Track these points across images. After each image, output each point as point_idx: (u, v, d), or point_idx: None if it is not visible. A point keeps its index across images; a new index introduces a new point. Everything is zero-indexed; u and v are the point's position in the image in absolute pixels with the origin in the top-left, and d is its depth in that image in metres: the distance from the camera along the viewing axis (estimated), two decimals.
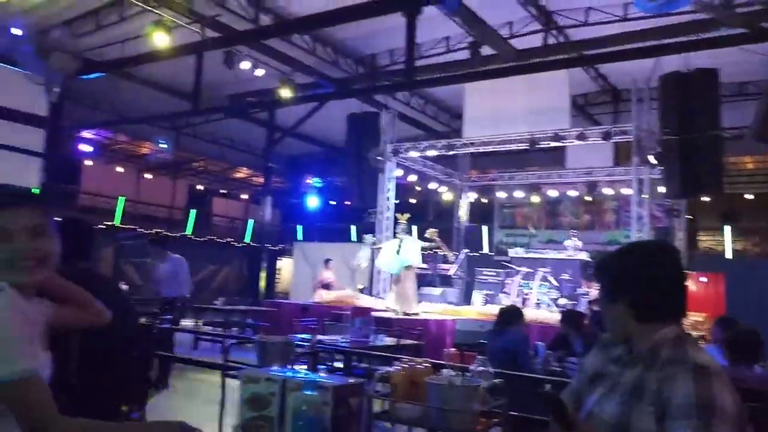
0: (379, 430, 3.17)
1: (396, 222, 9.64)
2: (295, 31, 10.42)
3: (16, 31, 7.99)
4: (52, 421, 1.38)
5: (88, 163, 16.70)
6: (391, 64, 11.90)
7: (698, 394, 1.38)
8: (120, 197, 15.97)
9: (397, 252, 8.87)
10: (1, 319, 1.36)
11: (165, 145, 15.99)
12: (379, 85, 11.63)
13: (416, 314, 8.61)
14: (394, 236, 9.61)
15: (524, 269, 10.45)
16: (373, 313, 7.56)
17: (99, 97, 12.94)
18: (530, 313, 7.59)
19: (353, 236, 15.48)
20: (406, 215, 9.28)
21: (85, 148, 15.76)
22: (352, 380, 1.63)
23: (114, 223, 15.34)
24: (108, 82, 10.99)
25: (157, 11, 8.59)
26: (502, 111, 10.89)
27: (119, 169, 17.94)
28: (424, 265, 10.13)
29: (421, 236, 9.97)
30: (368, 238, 11.95)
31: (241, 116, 14.05)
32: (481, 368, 2.64)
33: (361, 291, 11.40)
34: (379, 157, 11.69)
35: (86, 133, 15.48)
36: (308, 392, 1.49)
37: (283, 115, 13.96)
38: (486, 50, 9.47)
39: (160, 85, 12.51)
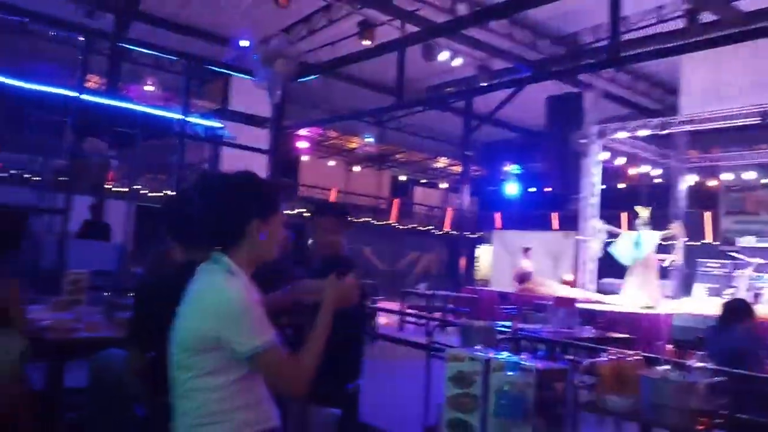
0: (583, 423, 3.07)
1: (636, 215, 9.43)
2: (493, 17, 10.32)
3: (244, 43, 9.07)
4: (295, 379, 1.64)
5: (304, 158, 18.33)
6: (595, 41, 11.23)
7: None
8: (332, 189, 17.33)
9: (636, 245, 8.76)
10: (249, 299, 1.62)
11: (371, 139, 16.97)
12: (582, 64, 11.05)
13: (651, 308, 8.29)
14: (633, 229, 9.39)
15: (757, 260, 9.26)
16: (578, 305, 7.27)
17: (313, 98, 14.12)
18: (764, 310, 6.71)
19: (554, 224, 14.98)
20: (648, 209, 9.18)
21: (301, 144, 17.33)
22: (556, 364, 1.62)
23: None
24: (321, 82, 11.95)
25: (361, 12, 9.12)
26: (725, 83, 9.69)
27: (331, 162, 19.41)
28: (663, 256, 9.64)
29: (661, 227, 9.58)
30: (597, 223, 11.26)
31: (440, 107, 14.34)
32: (700, 365, 2.42)
33: (567, 282, 10.98)
34: (583, 140, 11.13)
35: (303, 131, 16.99)
36: (511, 373, 1.51)
37: (481, 102, 13.96)
38: (706, 17, 8.51)
39: (366, 81, 13.25)
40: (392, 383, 4.75)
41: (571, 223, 12.06)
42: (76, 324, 3.00)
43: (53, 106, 10.67)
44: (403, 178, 21.30)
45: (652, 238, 8.95)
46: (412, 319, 9.25)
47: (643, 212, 9.17)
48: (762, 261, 9.20)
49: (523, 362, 1.58)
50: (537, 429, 1.49)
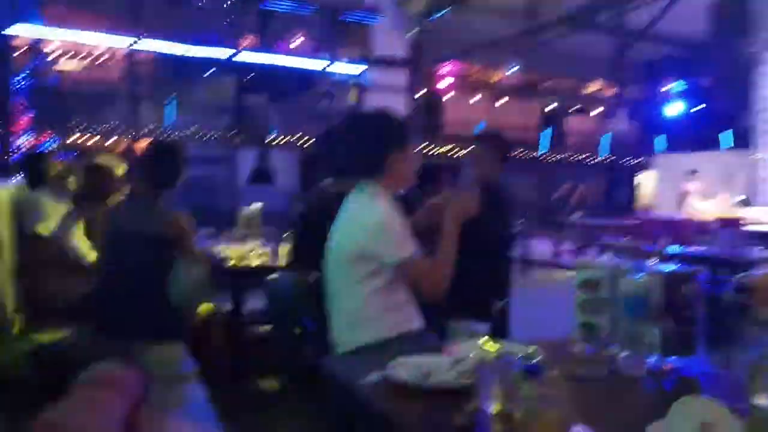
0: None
1: None
2: None
3: None
4: (434, 285, 1.90)
5: (447, 96, 18.25)
6: None
7: None
8: (478, 125, 17.15)
9: None
10: (394, 216, 1.88)
11: (514, 69, 16.44)
12: None
13: None
14: None
15: None
16: (750, 226, 6.70)
17: (451, 34, 13.91)
18: None
19: (724, 143, 13.63)
20: None
21: (443, 83, 17.24)
22: (683, 268, 1.63)
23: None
24: (454, 16, 11.72)
25: None
26: None
27: (475, 98, 19.12)
28: None
29: None
30: None
31: (587, 26, 13.40)
32: None
33: (743, 203, 10.04)
34: (753, 49, 9.90)
35: (444, 69, 16.87)
36: (637, 276, 1.56)
37: (634, 18, 12.86)
38: None
39: (499, 9, 12.76)
40: (542, 305, 4.83)
41: (742, 140, 10.91)
42: (250, 253, 3.47)
43: (216, 67, 11.67)
44: (552, 107, 20.41)
45: None
46: (565, 250, 9.11)
47: None
48: None
49: (648, 267, 1.61)
50: (665, 328, 1.53)
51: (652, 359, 1.52)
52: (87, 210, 3.53)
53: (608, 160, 16.46)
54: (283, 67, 11.27)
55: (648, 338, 1.53)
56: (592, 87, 19.39)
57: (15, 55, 8.15)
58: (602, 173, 17.25)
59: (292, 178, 10.45)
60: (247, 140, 10.98)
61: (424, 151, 14.50)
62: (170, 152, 2.73)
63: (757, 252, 4.92)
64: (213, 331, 2.97)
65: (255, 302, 3.56)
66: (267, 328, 3.45)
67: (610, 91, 17.07)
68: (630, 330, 1.58)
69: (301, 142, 13.23)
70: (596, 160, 17.46)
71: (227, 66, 11.21)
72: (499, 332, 3.12)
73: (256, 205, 4.10)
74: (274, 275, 3.25)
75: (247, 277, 3.35)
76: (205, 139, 12.05)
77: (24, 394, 0.66)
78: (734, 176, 11.58)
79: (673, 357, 1.55)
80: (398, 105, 9.86)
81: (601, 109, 19.90)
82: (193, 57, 11.02)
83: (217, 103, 12.23)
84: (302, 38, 13.50)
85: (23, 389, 0.66)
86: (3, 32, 5.16)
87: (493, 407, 1.19)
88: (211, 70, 12.24)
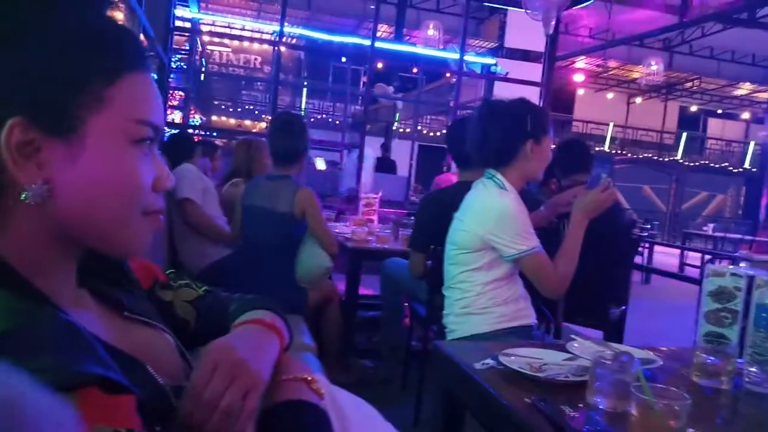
0: None
1: None
2: None
3: None
4: (555, 281, 1.87)
5: (580, 91, 17.59)
6: None
7: None
8: (609, 123, 16.38)
9: None
10: (518, 209, 1.87)
11: (656, 66, 15.46)
12: None
13: None
14: None
15: None
16: None
17: (590, 27, 13.36)
18: None
19: None
20: None
21: (577, 77, 16.62)
22: None
23: (604, 148, 15.88)
24: (598, 7, 11.25)
25: None
26: None
27: (609, 95, 18.27)
28: None
29: None
30: None
31: (744, 23, 12.32)
32: None
33: None
34: None
35: (580, 63, 16.25)
36: None
37: None
38: None
39: (647, 1, 12.06)
40: (662, 317, 4.59)
41: None
42: (369, 236, 3.60)
43: (350, 56, 12.02)
44: (693, 108, 19.01)
45: None
46: (693, 264, 8.51)
47: None
48: None
49: None
50: None
51: None
52: (233, 185, 3.84)
53: (752, 170, 15.07)
54: (414, 57, 11.40)
55: None
56: (742, 89, 17.80)
57: (174, 35, 8.90)
58: (744, 184, 15.85)
59: (413, 167, 10.58)
60: (374, 128, 11.26)
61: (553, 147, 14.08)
62: (291, 122, 2.88)
63: None
64: (330, 308, 3.12)
65: (371, 285, 3.69)
66: (380, 311, 3.57)
67: (763, 95, 15.59)
68: (761, 345, 1.49)
69: (424, 131, 13.35)
70: (739, 170, 16.06)
71: (360, 54, 11.52)
72: (611, 339, 3.03)
73: (373, 194, 4.25)
74: (390, 259, 3.35)
75: (365, 259, 3.48)
76: (334, 124, 12.50)
77: (190, 336, 0.77)
78: None
79: None
80: (532, 98, 9.63)
81: (749, 114, 18.27)
82: (329, 43, 11.45)
83: (348, 91, 12.61)
84: (435, 29, 13.59)
85: (189, 332, 0.76)
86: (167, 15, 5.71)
87: (607, 404, 1.19)
88: (343, 58, 12.66)
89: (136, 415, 0.51)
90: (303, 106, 13.48)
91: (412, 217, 3.62)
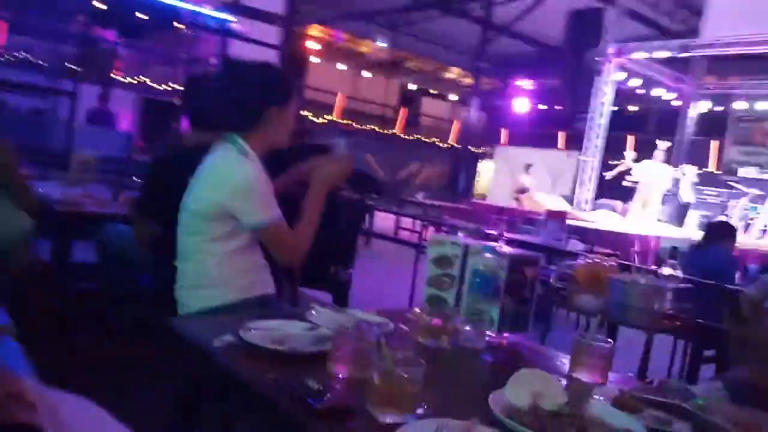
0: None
1: (655, 146, 9.69)
2: None
3: None
4: (295, 250, 1.84)
5: (313, 60, 18.00)
6: None
7: None
8: (338, 93, 17.15)
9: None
10: (260, 178, 1.77)
11: (383, 44, 16.60)
12: None
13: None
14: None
15: (754, 191, 9.38)
16: (570, 221, 7.45)
17: None
18: (751, 240, 6.89)
19: (560, 143, 14.95)
20: (666, 143, 9.38)
21: (311, 45, 16.96)
22: (528, 252, 1.78)
23: (332, 117, 16.62)
24: None
25: None
26: (753, 8, 9.36)
27: (340, 66, 19.06)
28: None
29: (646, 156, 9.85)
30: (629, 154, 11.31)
31: (457, 13, 13.91)
32: (669, 271, 2.60)
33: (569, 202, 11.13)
34: (598, 58, 10.92)
35: (314, 32, 16.59)
36: (488, 255, 1.67)
37: (500, 12, 13.56)
38: None
39: None
40: (382, 277, 5.02)
41: (577, 142, 12.05)
42: (84, 199, 3.18)
43: None
44: (412, 87, 20.97)
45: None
46: (407, 227, 9.46)
47: (662, 146, 9.64)
48: (759, 192, 9.31)
49: (498, 248, 1.73)
50: (505, 306, 1.66)
51: (492, 334, 1.64)
52: None
53: (456, 145, 17.32)
54: (141, 1, 10.36)
55: (490, 315, 1.65)
56: (452, 73, 20.21)
57: None
58: (449, 158, 18.13)
59: (135, 122, 9.69)
60: (89, 75, 9.98)
61: None
62: None
63: (576, 244, 5.50)
64: (33, 282, 2.69)
65: (84, 254, 3.28)
66: (96, 284, 3.20)
67: (468, 80, 17.88)
68: (475, 306, 1.68)
69: (150, 84, 12.32)
70: (446, 145, 18.30)
71: None
72: (340, 301, 3.19)
73: (91, 152, 3.76)
74: (110, 225, 3.02)
75: (77, 225, 3.07)
76: (41, 66, 10.76)
77: None
78: (563, 174, 12.80)
79: (509, 332, 1.69)
80: (266, 60, 9.52)
81: (456, 96, 20.85)
82: None
83: (61, 29, 10.93)
84: None
85: None
86: None
87: (348, 373, 1.22)
88: None
89: None
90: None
91: (135, 179, 3.28)
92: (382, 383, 1.07)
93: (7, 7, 11.13)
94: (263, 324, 1.44)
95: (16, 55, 10.90)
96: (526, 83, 17.56)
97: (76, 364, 2.70)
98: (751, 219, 9.17)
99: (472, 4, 13.58)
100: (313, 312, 1.61)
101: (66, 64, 10.36)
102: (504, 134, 17.39)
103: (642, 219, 9.24)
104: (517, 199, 11.10)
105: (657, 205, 9.63)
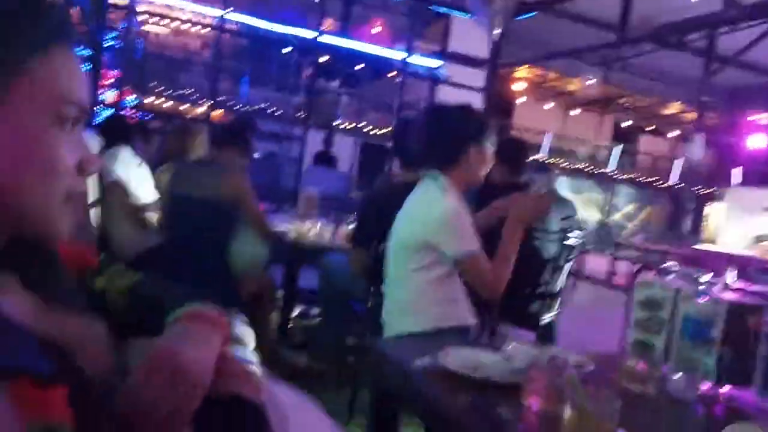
0: None
1: None
2: None
3: None
4: (493, 282, 1.90)
5: (520, 100, 18.02)
6: None
7: None
8: (546, 132, 16.87)
9: None
10: (460, 212, 1.89)
11: (593, 81, 16.06)
12: None
13: None
14: None
15: None
16: None
17: (532, 37, 13.70)
18: None
19: None
20: None
21: (518, 86, 17.02)
22: (750, 299, 1.60)
23: (541, 156, 16.37)
24: (539, 20, 11.54)
25: None
26: None
27: (548, 105, 18.80)
28: None
29: None
30: None
31: (675, 45, 12.96)
32: None
33: None
34: None
35: (520, 73, 16.65)
36: (702, 301, 1.54)
37: (726, 42, 12.35)
38: None
39: (587, 18, 12.47)
40: (592, 321, 4.77)
41: None
42: (310, 231, 3.56)
43: (294, 47, 11.87)
44: (627, 124, 19.84)
45: None
46: (620, 270, 8.87)
47: None
48: None
49: (715, 293, 1.59)
50: (723, 356, 1.51)
51: (706, 385, 1.51)
52: (164, 170, 3.71)
53: (678, 185, 15.89)
54: (359, 53, 11.38)
55: (704, 364, 1.51)
56: (672, 108, 18.74)
57: (109, 13, 8.53)
58: (670, 199, 16.69)
59: (354, 164, 10.54)
60: (316, 122, 11.17)
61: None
62: (248, 127, 2.82)
63: None
64: (265, 299, 3.06)
65: (309, 280, 3.65)
66: (318, 307, 3.54)
67: (690, 115, 16.45)
68: (686, 354, 1.56)
69: (367, 129, 13.36)
70: (665, 185, 16.89)
71: (305, 47, 11.40)
72: (543, 341, 3.12)
73: (315, 189, 4.22)
74: (330, 255, 3.33)
75: (304, 254, 3.44)
76: (275, 115, 12.30)
77: (123, 326, 0.72)
78: None
79: (728, 386, 1.53)
80: (472, 103, 9.81)
81: (677, 132, 19.24)
82: (273, 34, 11.26)
83: (292, 82, 12.47)
84: (382, 27, 13.61)
85: (122, 322, 0.71)
86: None
87: (541, 406, 1.21)
88: (288, 49, 12.49)
89: (67, 409, 0.48)
90: (243, 93, 13.23)
91: (354, 213, 3.60)
92: (573, 419, 1.06)
93: (246, 63, 12.99)
94: (459, 351, 1.50)
95: (256, 106, 12.60)
96: (761, 117, 15.60)
97: (288, 376, 3.00)
98: None
99: (691, 35, 12.54)
100: (511, 346, 1.63)
101: (296, 113, 11.72)
102: (735, 173, 15.53)
103: None
104: (755, 247, 9.78)
105: None
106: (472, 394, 1.26)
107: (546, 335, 3.02)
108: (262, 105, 12.83)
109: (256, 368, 0.79)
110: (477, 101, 10.38)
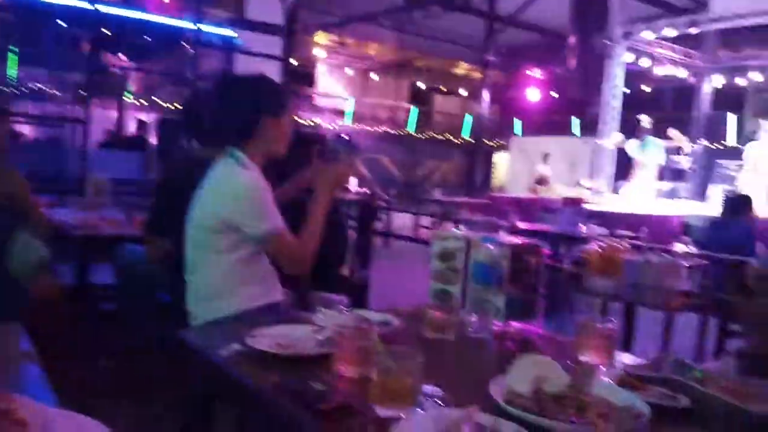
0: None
1: (638, 122, 9.49)
2: None
3: None
4: (300, 258, 1.85)
5: (320, 67, 18.10)
6: None
7: None
8: (349, 98, 17.22)
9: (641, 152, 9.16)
10: (260, 188, 1.80)
11: (389, 46, 16.62)
12: None
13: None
14: (636, 137, 9.51)
15: None
16: (587, 206, 7.37)
17: (329, 3, 13.73)
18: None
19: (575, 130, 14.79)
20: (647, 118, 9.22)
21: (317, 52, 17.06)
22: (529, 240, 1.77)
23: (344, 122, 16.70)
24: None
25: None
26: None
27: (348, 71, 19.13)
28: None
29: (661, 134, 9.64)
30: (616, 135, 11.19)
31: (459, 8, 13.86)
32: (683, 248, 2.57)
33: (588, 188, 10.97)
34: (607, 41, 10.79)
35: (319, 39, 16.69)
36: (488, 246, 1.67)
37: (505, 3, 13.50)
38: None
39: None
40: (402, 277, 5.02)
41: (592, 127, 11.92)
42: (99, 222, 3.24)
43: (70, 20, 10.63)
44: (422, 86, 20.96)
45: (656, 146, 9.26)
46: (425, 224, 9.43)
47: (644, 120, 9.35)
48: None
49: (499, 239, 1.73)
50: (510, 295, 1.66)
51: (498, 323, 1.65)
52: None
53: (469, 140, 17.24)
54: (146, 23, 10.52)
55: (494, 305, 1.65)
56: (461, 69, 20.15)
57: None
58: (464, 153, 18.07)
59: (149, 144, 9.81)
60: (101, 100, 10.16)
61: (294, 119, 14.29)
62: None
63: (591, 228, 5.45)
64: (55, 307, 2.75)
65: (104, 275, 3.34)
66: (117, 304, 3.26)
67: (477, 74, 17.81)
68: (479, 297, 1.69)
69: (160, 104, 12.52)
70: (460, 141, 18.23)
71: (81, 18, 10.24)
72: (357, 303, 3.20)
73: (103, 176, 3.84)
74: (125, 247, 3.07)
75: (95, 248, 3.13)
76: (54, 96, 10.97)
77: None
78: (580, 161, 12.67)
79: (516, 321, 1.69)
80: (270, 73, 9.60)
81: (467, 91, 20.78)
82: (43, 5, 9.94)
83: (69, 58, 11.15)
84: None
85: None
86: None
87: (351, 372, 1.23)
88: (64, 22, 11.12)
89: None
90: (12, 72, 11.58)
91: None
92: (379, 379, 1.08)
93: (16, 41, 11.39)
94: (269, 330, 1.46)
95: (30, 86, 11.13)
96: (536, 72, 17.42)
97: (98, 385, 2.75)
98: None
99: None
100: (320, 315, 1.63)
101: (76, 92, 10.56)
102: (518, 125, 17.26)
103: (645, 196, 9.17)
104: (535, 190, 11.01)
105: (655, 180, 9.56)
106: (284, 372, 1.23)
107: (360, 297, 3.10)
108: (36, 86, 11.36)
109: (23, 396, 0.69)
110: (275, 70, 10.20)
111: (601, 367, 1.34)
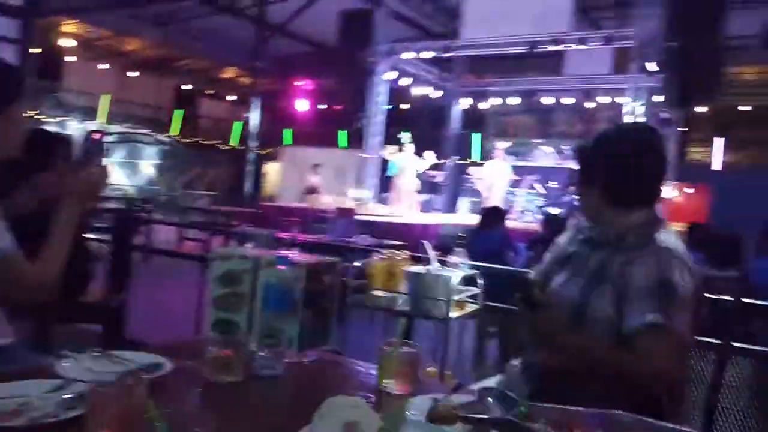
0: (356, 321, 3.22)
1: (399, 140, 10.11)
2: None
3: None
4: (37, 284, 1.45)
5: (70, 59, 16.07)
6: None
7: (659, 276, 1.37)
8: (104, 95, 15.51)
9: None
10: None
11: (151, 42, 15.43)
12: None
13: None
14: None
15: (512, 177, 10.49)
16: (358, 216, 7.57)
17: None
18: (512, 223, 7.64)
19: (342, 142, 15.25)
20: (408, 134, 9.84)
21: (67, 42, 15.13)
22: (325, 258, 1.62)
23: (101, 121, 15.05)
24: None
25: None
26: (503, 12, 10.41)
27: (102, 66, 17.29)
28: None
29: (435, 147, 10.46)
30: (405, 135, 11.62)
31: (228, 10, 13.45)
32: (458, 260, 2.66)
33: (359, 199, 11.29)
34: (371, 58, 11.31)
35: (69, 27, 14.85)
36: (281, 267, 1.47)
37: (275, 12, 13.41)
38: None
39: None
40: (167, 300, 4.54)
41: (358, 140, 12.39)
42: None
43: None
44: (187, 87, 19.84)
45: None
46: (192, 237, 8.78)
47: (405, 138, 10.01)
48: (516, 177, 10.47)
49: (292, 258, 1.55)
50: (305, 321, 1.48)
51: (292, 354, 1.46)
52: None
53: (238, 147, 16.73)
54: None
55: (288, 333, 1.46)
56: (229, 73, 19.52)
57: None
58: (232, 160, 17.54)
59: None
60: None
61: (36, 117, 12.42)
62: None
63: (365, 238, 5.56)
64: None
65: None
66: None
67: (246, 80, 17.47)
68: (271, 325, 1.48)
69: None
70: (228, 147, 17.63)
71: None
72: (111, 334, 2.74)
73: None
74: None
75: None
76: None
77: None
78: (347, 171, 13.11)
79: (311, 349, 1.52)
80: (7, 59, 8.16)
81: (235, 96, 20.20)
82: None
83: None
84: None
85: None
86: None
87: None
88: None
89: None
90: None
91: None
92: None
93: None
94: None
95: None
96: (305, 83, 17.66)
97: None
98: (512, 202, 10.30)
99: (244, 1, 13.22)
100: (65, 362, 1.27)
101: None
102: (288, 134, 17.25)
103: (407, 208, 9.83)
104: (306, 200, 11.06)
105: (416, 193, 10.31)
106: None
107: (117, 325, 2.66)
108: None
109: None
110: (11, 57, 8.73)
111: (408, 397, 1.23)
